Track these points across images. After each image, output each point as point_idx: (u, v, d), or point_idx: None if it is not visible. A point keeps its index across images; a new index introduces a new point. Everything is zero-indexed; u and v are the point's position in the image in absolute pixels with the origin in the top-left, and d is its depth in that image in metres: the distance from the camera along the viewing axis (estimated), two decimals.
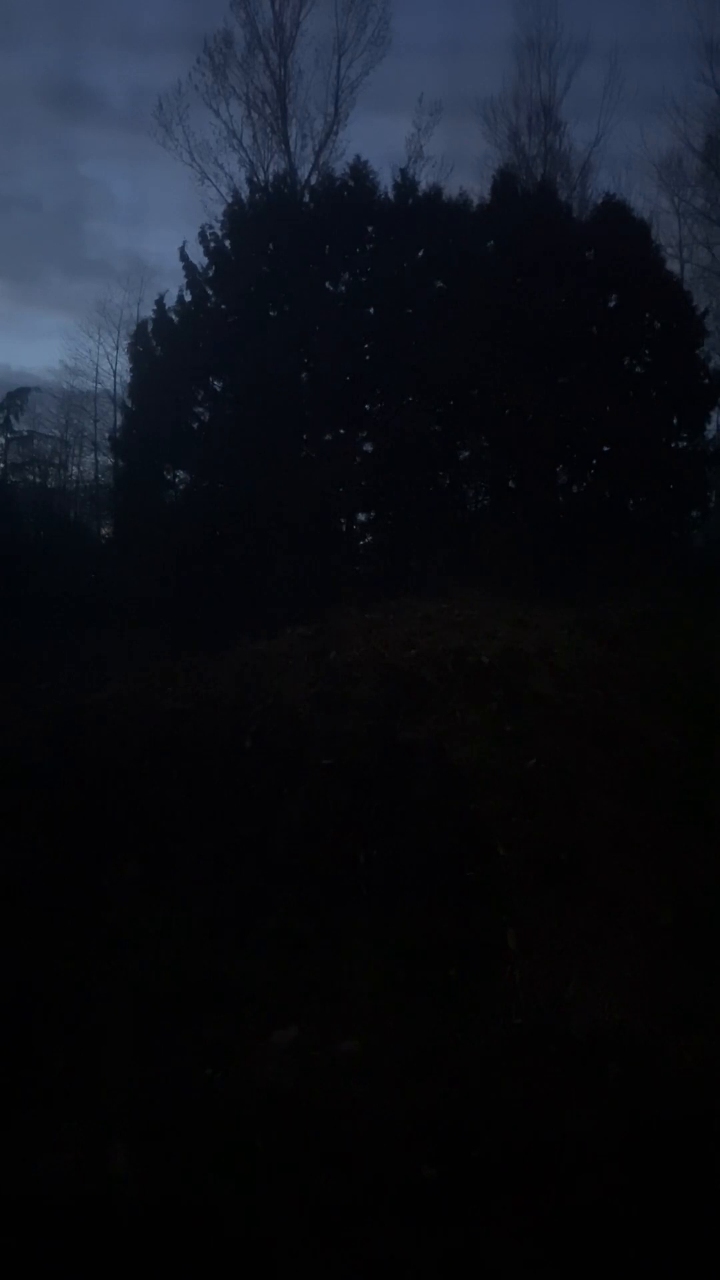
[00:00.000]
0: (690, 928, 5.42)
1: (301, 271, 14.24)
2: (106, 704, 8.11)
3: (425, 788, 6.57)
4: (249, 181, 18.03)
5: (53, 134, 44.24)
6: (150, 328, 15.21)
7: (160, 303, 15.11)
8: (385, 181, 15.21)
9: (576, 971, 4.99)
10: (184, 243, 14.86)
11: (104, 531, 20.54)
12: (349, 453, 14.27)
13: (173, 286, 23.87)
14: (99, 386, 27.77)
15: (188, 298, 14.90)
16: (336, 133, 21.12)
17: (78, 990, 4.86)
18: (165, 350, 14.83)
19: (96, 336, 30.25)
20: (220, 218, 15.37)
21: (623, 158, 36.77)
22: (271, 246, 14.60)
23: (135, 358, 15.43)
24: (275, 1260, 3.27)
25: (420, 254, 14.49)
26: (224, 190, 20.07)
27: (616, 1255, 3.28)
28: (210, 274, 14.78)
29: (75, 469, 28.42)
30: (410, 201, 14.85)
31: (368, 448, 14.43)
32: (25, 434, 26.65)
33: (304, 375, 14.13)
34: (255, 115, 21.11)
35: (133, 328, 17.72)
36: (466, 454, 15.02)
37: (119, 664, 9.74)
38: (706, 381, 15.08)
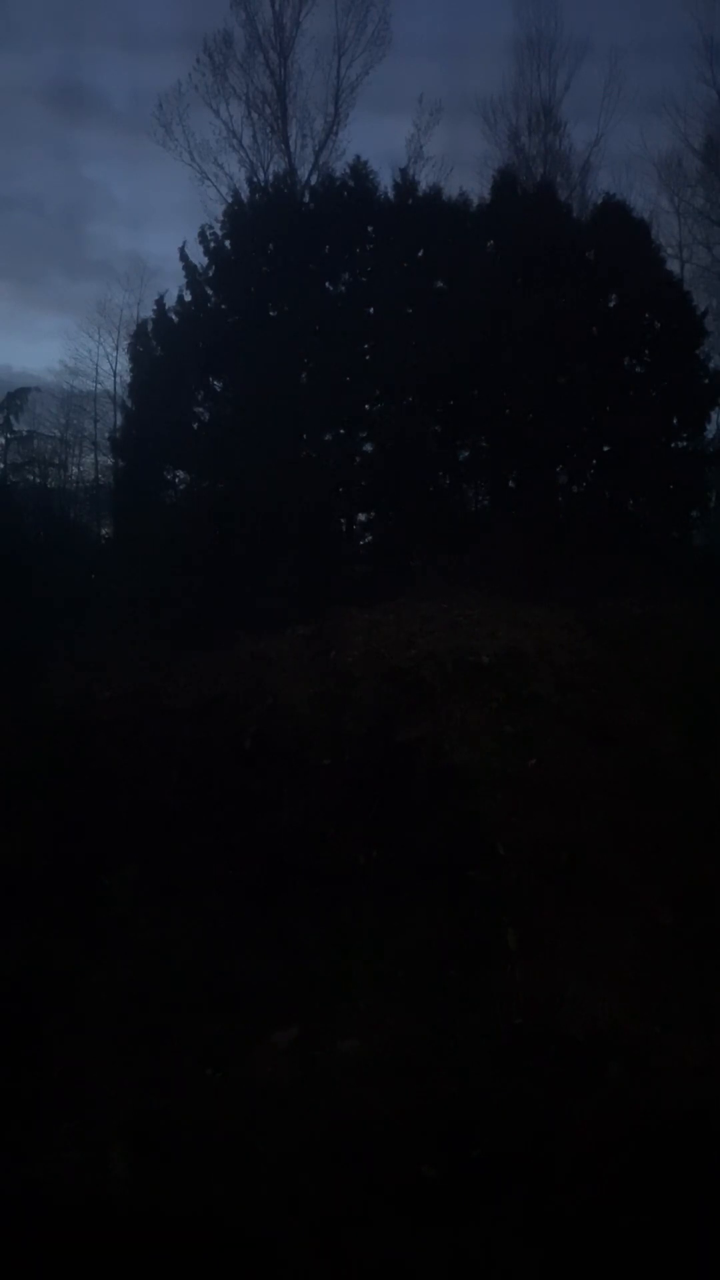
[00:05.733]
0: (690, 928, 5.42)
1: (301, 271, 14.24)
2: (106, 704, 8.11)
3: (425, 788, 6.58)
4: (249, 181, 17.99)
5: (54, 135, 44.14)
6: (150, 328, 15.20)
7: (160, 303, 15.11)
8: (385, 181, 15.19)
9: (576, 971, 4.99)
10: (184, 243, 14.86)
11: (104, 531, 20.52)
12: (349, 453, 14.27)
13: (173, 287, 23.88)
14: (99, 386, 27.70)
15: (188, 298, 14.89)
16: (336, 133, 21.03)
17: (77, 991, 4.86)
18: (165, 350, 14.83)
19: (97, 337, 30.13)
20: (220, 218, 15.36)
21: (623, 158, 36.51)
22: (271, 246, 14.59)
23: (135, 358, 15.42)
24: (276, 1260, 3.27)
25: (420, 254, 14.47)
26: (224, 190, 19.98)
27: (616, 1254, 3.28)
28: (210, 274, 14.77)
29: (75, 469, 28.34)
30: (410, 201, 14.83)
31: (368, 448, 14.42)
32: (25, 434, 26.65)
33: (304, 375, 14.12)
34: (255, 115, 21.03)
35: (133, 328, 17.69)
36: (466, 454, 15.00)
37: (119, 664, 9.74)
38: (706, 381, 15.07)
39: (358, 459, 14.28)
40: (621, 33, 39.71)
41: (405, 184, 15.11)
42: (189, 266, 14.82)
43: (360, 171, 14.96)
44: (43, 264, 45.24)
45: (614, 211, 15.73)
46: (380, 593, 10.82)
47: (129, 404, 16.09)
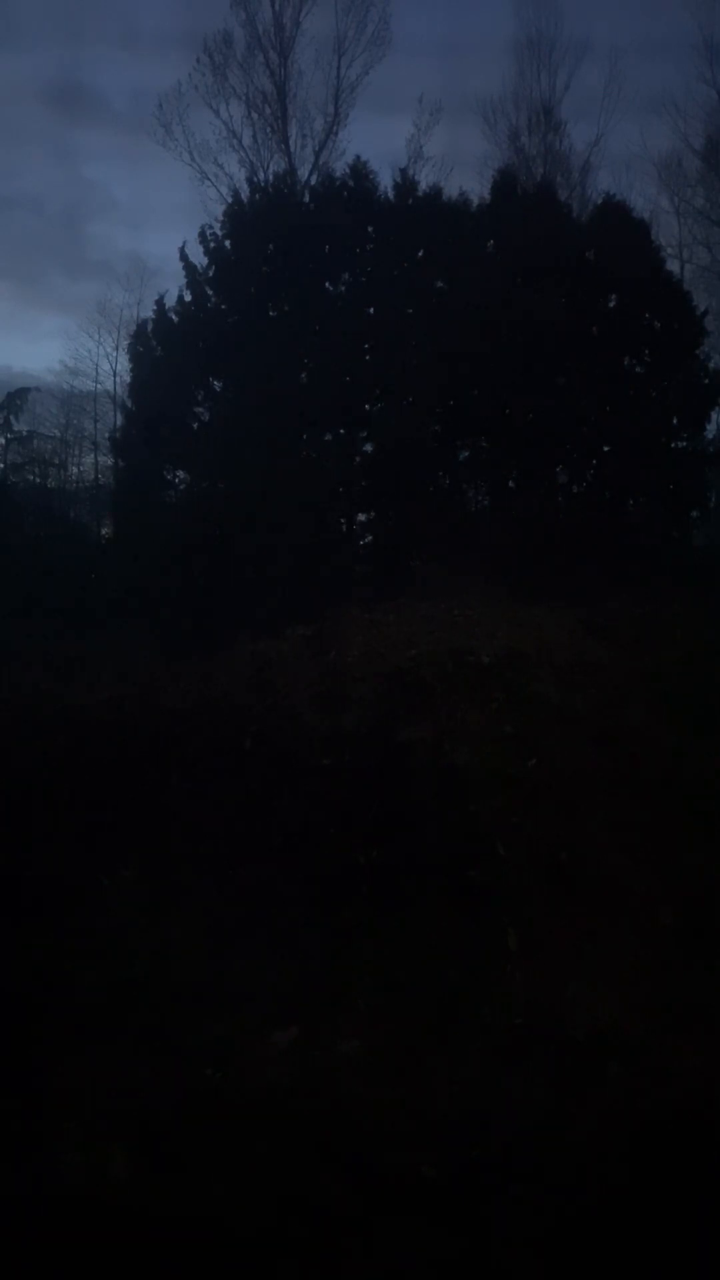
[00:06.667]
0: (690, 928, 5.43)
1: (301, 271, 14.23)
2: (106, 704, 8.11)
3: (425, 788, 6.57)
4: (249, 181, 18.01)
5: (55, 136, 44.16)
6: (150, 328, 15.20)
7: (160, 303, 15.10)
8: (385, 181, 15.18)
9: (576, 972, 4.99)
10: (184, 243, 14.86)
11: (104, 531, 20.52)
12: (349, 453, 14.28)
13: (173, 287, 23.81)
14: (99, 386, 27.68)
15: (188, 298, 14.88)
16: (336, 133, 21.05)
17: (78, 991, 4.85)
18: (165, 350, 14.82)
19: (97, 337, 30.06)
20: (220, 218, 15.35)
21: (623, 158, 36.43)
22: (271, 246, 14.58)
23: (135, 358, 15.42)
24: (275, 1261, 3.27)
25: (420, 254, 14.46)
26: (224, 190, 20.00)
27: (617, 1254, 3.28)
28: (210, 274, 14.76)
29: (75, 469, 28.34)
30: (410, 201, 14.83)
31: (368, 448, 14.42)
32: (25, 434, 26.65)
33: (304, 375, 14.11)
34: (255, 115, 21.04)
35: (133, 328, 17.68)
36: (466, 454, 15.00)
37: (119, 664, 9.74)
38: (707, 381, 15.07)
39: (358, 459, 14.28)
40: (621, 33, 39.64)
41: (405, 184, 15.09)
42: (189, 266, 14.81)
43: (360, 171, 14.95)
44: (43, 264, 45.24)
45: (614, 211, 15.73)
46: (380, 593, 10.82)
47: (129, 404, 16.10)
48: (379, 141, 54.80)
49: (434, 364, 13.05)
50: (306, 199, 15.84)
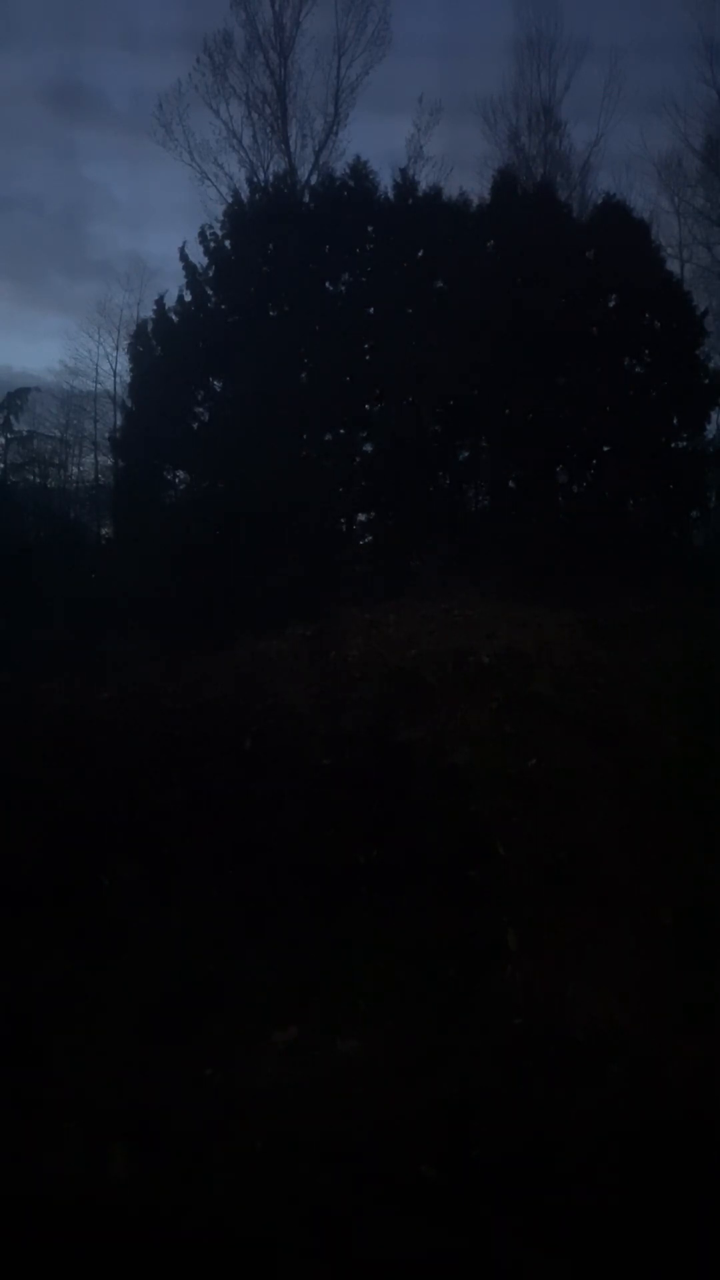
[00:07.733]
0: (690, 928, 5.42)
1: (301, 271, 14.25)
2: (106, 704, 8.11)
3: (425, 788, 6.57)
4: (249, 181, 18.06)
5: (55, 136, 44.14)
6: (150, 328, 15.22)
7: (160, 303, 15.13)
8: (385, 181, 15.23)
9: (576, 971, 4.98)
10: (184, 243, 14.89)
11: (104, 531, 20.54)
12: (349, 453, 14.30)
13: (173, 287, 23.87)
14: (99, 386, 27.72)
15: (188, 298, 14.91)
16: (336, 133, 21.12)
17: (77, 990, 4.85)
18: (165, 350, 14.85)
19: (97, 337, 30.16)
20: (220, 218, 15.40)
21: (623, 158, 36.58)
22: (271, 246, 14.60)
23: (135, 358, 15.45)
24: (275, 1261, 3.27)
25: (420, 254, 14.49)
26: (224, 190, 20.07)
27: (616, 1256, 3.28)
28: (210, 274, 14.78)
29: (75, 469, 28.36)
30: (410, 201, 14.85)
31: (368, 448, 14.44)
32: (25, 434, 26.67)
33: (304, 375, 14.13)
34: (255, 115, 21.10)
35: (133, 328, 17.71)
36: (466, 454, 15.03)
37: (119, 664, 9.74)
38: (707, 381, 15.09)
39: (358, 459, 14.31)
40: (621, 33, 39.71)
41: (405, 184, 15.12)
42: (189, 266, 14.83)
43: (360, 171, 14.98)
44: (43, 264, 45.27)
45: (614, 211, 15.76)
46: (380, 593, 10.84)
47: (129, 404, 16.13)
48: (379, 141, 54.96)
49: (434, 364, 13.06)
50: (306, 199, 15.86)
